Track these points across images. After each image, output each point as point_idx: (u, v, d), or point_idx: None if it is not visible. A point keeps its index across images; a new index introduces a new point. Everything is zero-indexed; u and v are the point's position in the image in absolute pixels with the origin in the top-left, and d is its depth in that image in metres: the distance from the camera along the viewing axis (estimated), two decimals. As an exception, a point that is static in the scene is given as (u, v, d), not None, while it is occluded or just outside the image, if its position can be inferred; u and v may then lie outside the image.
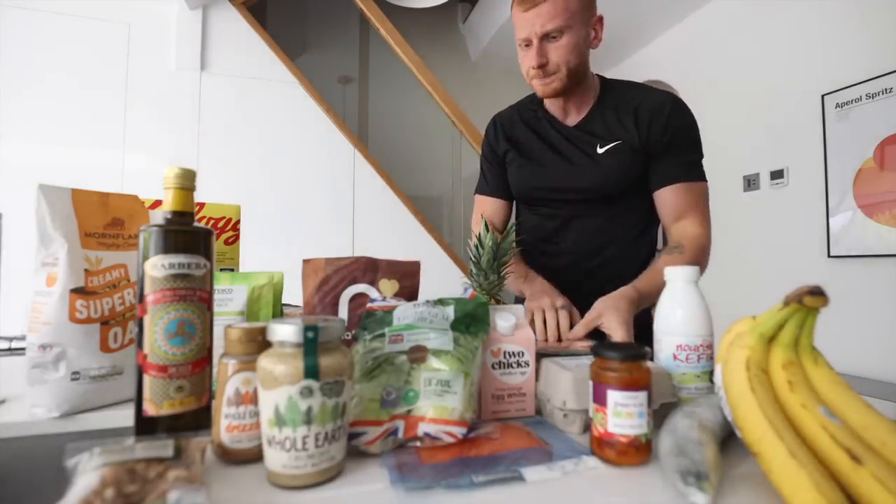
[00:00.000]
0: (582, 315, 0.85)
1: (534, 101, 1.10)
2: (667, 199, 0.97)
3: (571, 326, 0.83)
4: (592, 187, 1.00)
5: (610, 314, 0.78)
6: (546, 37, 0.90)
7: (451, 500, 0.36)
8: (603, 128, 1.00)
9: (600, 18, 0.96)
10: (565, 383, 0.51)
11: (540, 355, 0.59)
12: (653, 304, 0.81)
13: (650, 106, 0.96)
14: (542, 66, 0.92)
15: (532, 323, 0.83)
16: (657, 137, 0.95)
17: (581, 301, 0.98)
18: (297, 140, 2.64)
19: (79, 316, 0.54)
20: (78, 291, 0.55)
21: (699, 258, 0.91)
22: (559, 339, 0.82)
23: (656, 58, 3.34)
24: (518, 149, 1.08)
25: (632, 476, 0.41)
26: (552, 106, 1.05)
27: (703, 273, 0.82)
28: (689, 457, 0.38)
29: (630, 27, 3.20)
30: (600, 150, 0.98)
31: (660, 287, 0.61)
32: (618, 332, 0.76)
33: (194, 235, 0.48)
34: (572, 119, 1.04)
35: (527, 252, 1.07)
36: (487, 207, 1.14)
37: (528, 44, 0.92)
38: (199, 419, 0.46)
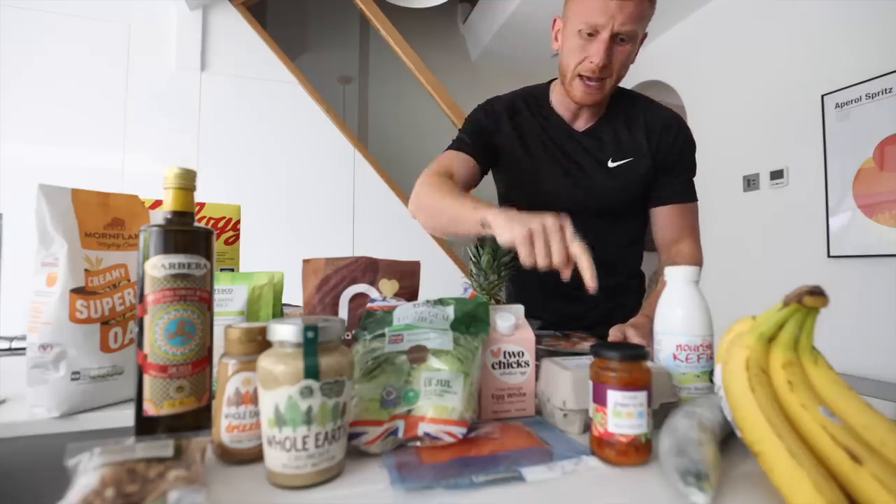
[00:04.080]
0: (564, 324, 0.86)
1: (537, 96, 1.01)
2: (665, 218, 0.98)
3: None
4: (599, 201, 0.98)
5: (629, 330, 0.77)
6: (615, 37, 0.83)
7: (451, 500, 0.36)
8: (612, 138, 0.97)
9: (644, 36, 0.91)
10: (565, 383, 0.51)
11: (543, 352, 0.58)
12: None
13: (661, 121, 0.96)
14: (606, 67, 0.85)
15: (526, 246, 0.62)
16: (665, 153, 0.96)
17: (571, 309, 1.00)
18: (297, 140, 2.64)
19: (79, 316, 0.54)
20: (78, 291, 0.55)
21: None
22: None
23: (656, 58, 3.34)
24: (524, 141, 0.98)
25: (632, 476, 0.41)
26: (562, 107, 0.98)
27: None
28: (689, 457, 0.38)
29: (630, 27, 3.20)
30: (612, 165, 0.96)
31: None
32: (635, 339, 0.75)
33: (194, 235, 0.47)
34: (580, 124, 0.98)
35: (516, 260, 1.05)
36: (456, 161, 0.95)
37: (593, 33, 0.83)
38: (199, 419, 0.46)
